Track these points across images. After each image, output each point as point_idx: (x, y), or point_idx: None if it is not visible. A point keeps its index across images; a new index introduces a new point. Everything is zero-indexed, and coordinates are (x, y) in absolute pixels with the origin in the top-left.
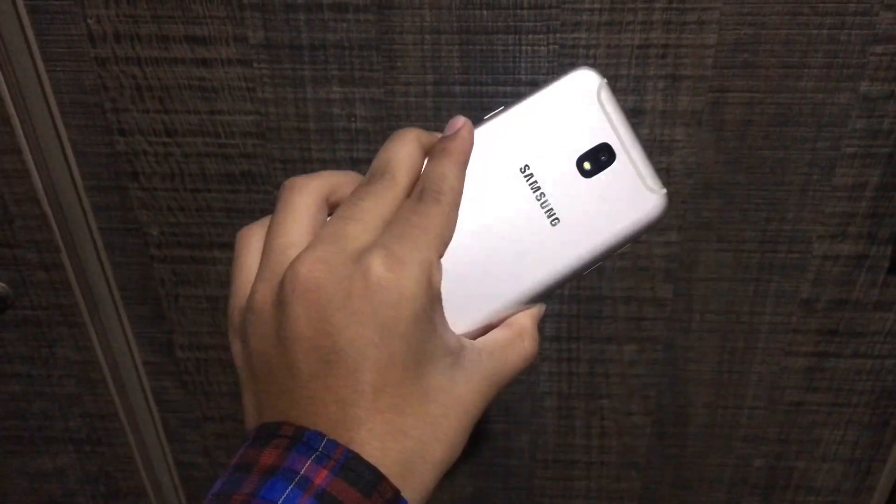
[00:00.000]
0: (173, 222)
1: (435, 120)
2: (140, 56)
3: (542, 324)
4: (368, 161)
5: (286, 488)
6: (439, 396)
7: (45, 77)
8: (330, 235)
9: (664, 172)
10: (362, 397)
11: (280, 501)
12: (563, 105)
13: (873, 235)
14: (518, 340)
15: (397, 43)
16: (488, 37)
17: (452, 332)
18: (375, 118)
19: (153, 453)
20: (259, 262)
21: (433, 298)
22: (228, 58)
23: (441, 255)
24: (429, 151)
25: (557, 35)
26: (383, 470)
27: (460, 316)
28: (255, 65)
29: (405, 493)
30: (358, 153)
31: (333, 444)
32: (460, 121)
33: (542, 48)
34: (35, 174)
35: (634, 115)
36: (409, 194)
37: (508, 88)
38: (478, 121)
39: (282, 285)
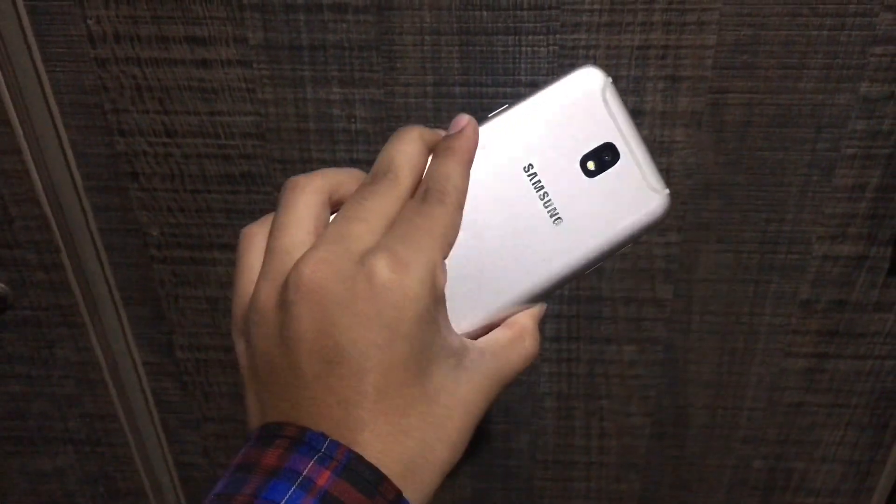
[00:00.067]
0: (173, 223)
1: (434, 121)
2: (140, 57)
3: (542, 324)
4: (368, 162)
5: (289, 489)
6: (442, 397)
7: (44, 78)
8: (334, 236)
9: (664, 173)
10: (365, 399)
11: (282, 502)
12: (568, 104)
13: (873, 236)
14: (519, 340)
15: (397, 44)
16: (488, 38)
17: (455, 333)
18: (375, 119)
19: (153, 454)
20: (262, 261)
21: (437, 300)
22: (228, 58)
23: (445, 256)
24: (432, 149)
25: (557, 36)
26: (386, 471)
27: (461, 315)
28: (254, 65)
29: (407, 494)
30: (358, 154)
31: (336, 444)
32: (464, 119)
33: (542, 49)
34: (35, 175)
35: (634, 116)
36: (412, 193)
37: (508, 89)
38: (481, 119)
39: (285, 286)
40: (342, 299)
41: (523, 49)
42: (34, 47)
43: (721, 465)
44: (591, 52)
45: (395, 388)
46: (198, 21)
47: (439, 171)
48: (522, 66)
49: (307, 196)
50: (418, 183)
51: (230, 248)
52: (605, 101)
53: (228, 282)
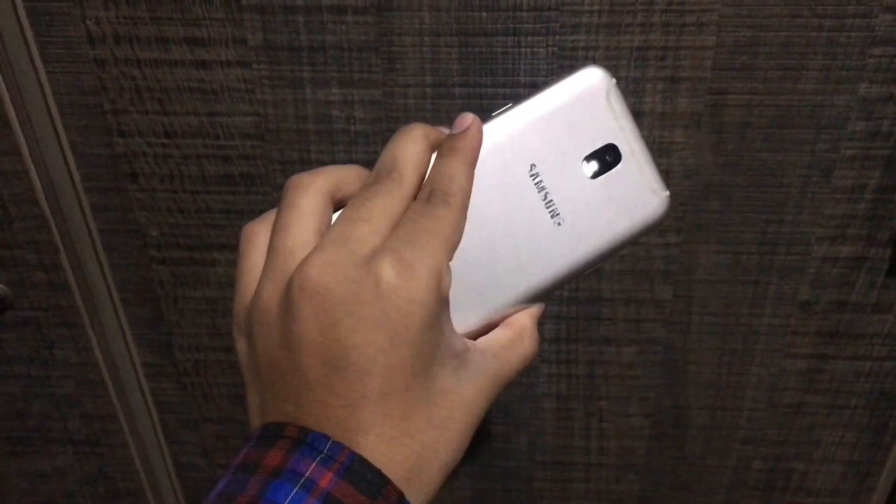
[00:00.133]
0: (172, 223)
1: (434, 122)
2: (139, 58)
3: (541, 325)
4: (367, 163)
5: (291, 490)
6: (445, 399)
7: (44, 78)
8: (338, 237)
9: (663, 174)
10: (369, 401)
11: (285, 503)
12: (572, 104)
13: (872, 237)
14: (519, 340)
15: (396, 45)
16: (487, 38)
17: (458, 335)
18: (374, 120)
19: (152, 454)
20: (265, 260)
21: (442, 303)
22: (227, 59)
23: (450, 258)
24: (435, 148)
25: (557, 37)
26: (389, 473)
27: (461, 315)
28: (254, 66)
29: (410, 497)
30: (357, 155)
31: (339, 446)
32: (469, 118)
33: (542, 50)
34: (34, 175)
35: (633, 117)
36: (416, 193)
37: (507, 90)
38: (485, 118)
39: (289, 287)
40: (347, 301)
41: (522, 50)
42: (34, 48)
43: (721, 466)
44: (591, 53)
45: (398, 391)
46: (197, 22)
47: (443, 171)
48: (522, 66)
49: (310, 195)
50: (422, 182)
51: (229, 248)
52: (608, 102)
53: (228, 282)
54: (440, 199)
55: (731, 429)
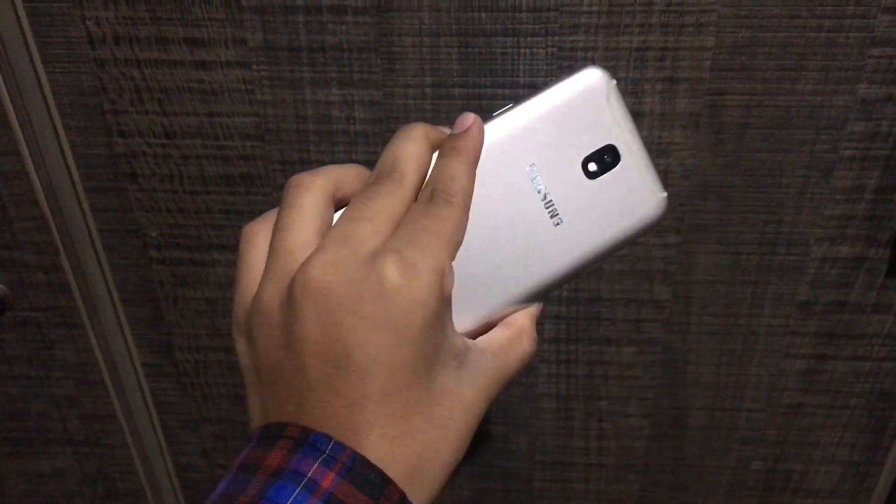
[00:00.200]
0: (172, 224)
1: (434, 122)
2: (139, 58)
3: (540, 325)
4: (367, 163)
5: (293, 491)
6: (446, 399)
7: (44, 79)
8: (340, 237)
9: (662, 175)
10: (371, 401)
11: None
12: (572, 105)
13: (871, 238)
14: (518, 340)
15: (396, 45)
16: (487, 39)
17: (458, 334)
18: (374, 120)
19: (152, 455)
20: (265, 260)
21: (444, 303)
22: (227, 60)
23: (453, 258)
24: (436, 147)
25: (556, 38)
26: (391, 473)
27: (460, 315)
28: (253, 67)
29: (412, 497)
30: (357, 155)
31: (341, 446)
32: (470, 118)
33: (541, 50)
34: (34, 176)
35: (633, 118)
36: (417, 193)
37: (507, 91)
38: (485, 118)
39: (291, 287)
40: (350, 301)
41: (522, 51)
42: (34, 49)
43: (720, 467)
44: (590, 53)
45: (400, 391)
46: (197, 22)
47: (445, 171)
48: (521, 67)
49: (311, 195)
50: (423, 182)
51: (229, 249)
52: (608, 103)
53: (227, 283)
54: (442, 199)
55: (731, 429)
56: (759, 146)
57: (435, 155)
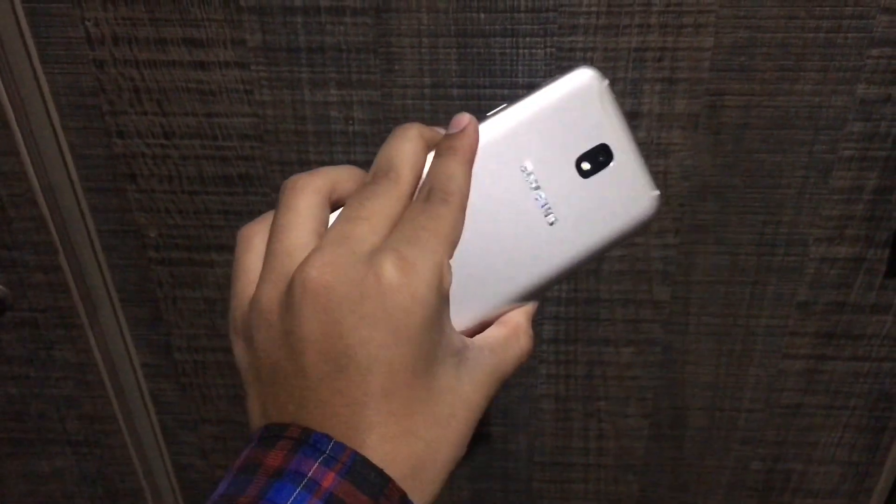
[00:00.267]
0: (171, 224)
1: (432, 123)
2: (138, 59)
3: (540, 325)
4: (366, 164)
5: (294, 491)
6: (446, 397)
7: (43, 79)
8: (337, 237)
9: (661, 175)
10: (372, 400)
11: None
12: (565, 104)
13: (870, 238)
14: (514, 338)
15: (394, 46)
16: (485, 40)
17: (457, 332)
18: (373, 121)
19: (151, 455)
20: (262, 262)
21: (443, 301)
22: (226, 60)
23: (451, 257)
24: (431, 147)
25: (555, 38)
26: (392, 473)
27: (458, 313)
28: (252, 67)
29: (412, 496)
30: (355, 156)
31: (341, 446)
32: (465, 118)
33: (539, 51)
34: (33, 176)
35: (631, 118)
36: (413, 192)
37: (505, 91)
38: (479, 118)
39: (290, 288)
40: (349, 300)
41: (520, 51)
42: (32, 49)
43: (719, 467)
44: (589, 54)
45: (400, 389)
46: (196, 23)
47: (442, 170)
48: (520, 67)
49: (307, 196)
50: (419, 181)
51: (228, 249)
52: (601, 102)
53: (226, 283)
54: (439, 198)
55: (730, 429)
56: (757, 147)
57: (430, 155)
